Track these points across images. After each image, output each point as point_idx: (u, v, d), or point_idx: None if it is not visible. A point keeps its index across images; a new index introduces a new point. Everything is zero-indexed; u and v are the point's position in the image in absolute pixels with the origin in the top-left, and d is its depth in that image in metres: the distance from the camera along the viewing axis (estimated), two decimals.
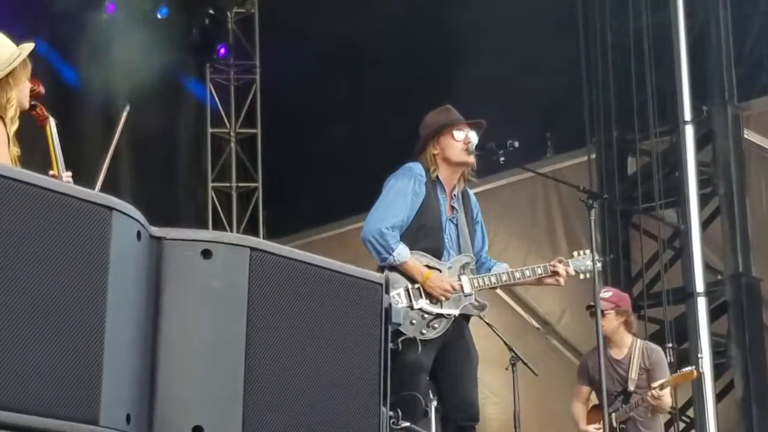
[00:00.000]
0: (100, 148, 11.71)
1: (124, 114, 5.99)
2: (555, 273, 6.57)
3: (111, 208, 3.31)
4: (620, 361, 8.10)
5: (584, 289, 8.37)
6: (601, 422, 7.99)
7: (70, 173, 5.39)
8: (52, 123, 5.35)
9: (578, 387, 8.33)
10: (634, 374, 8.04)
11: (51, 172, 5.33)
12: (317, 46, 12.24)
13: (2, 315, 3.04)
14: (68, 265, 3.19)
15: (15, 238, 3.10)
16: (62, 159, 5.39)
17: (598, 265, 6.86)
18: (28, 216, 3.13)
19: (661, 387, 7.92)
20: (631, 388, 8.04)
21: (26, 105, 5.24)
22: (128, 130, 12.04)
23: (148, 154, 12.19)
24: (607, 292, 8.18)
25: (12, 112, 5.11)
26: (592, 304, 8.09)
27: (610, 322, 8.06)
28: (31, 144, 5.26)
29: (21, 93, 5.17)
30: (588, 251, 6.77)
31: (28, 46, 5.22)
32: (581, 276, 6.74)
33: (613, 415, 8.00)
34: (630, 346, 8.16)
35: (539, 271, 6.58)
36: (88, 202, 3.27)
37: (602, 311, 7.99)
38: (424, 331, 6.24)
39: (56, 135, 5.35)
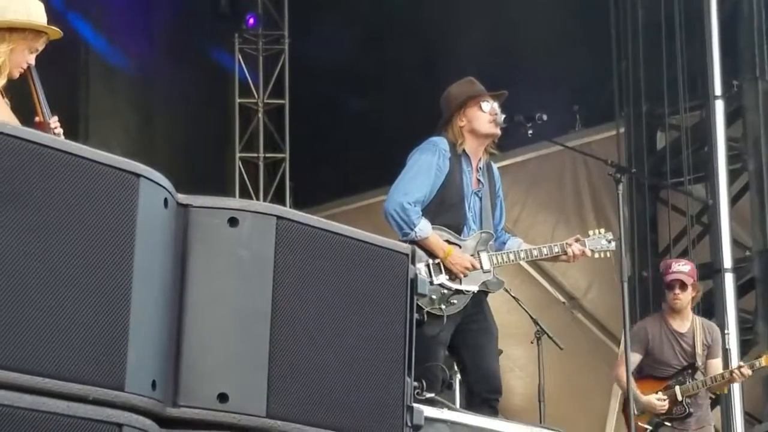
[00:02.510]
0: (137, 115, 11.83)
1: None
2: (568, 251, 6.57)
3: (138, 175, 3.31)
4: (684, 335, 8.07)
5: (610, 263, 8.34)
6: (659, 392, 7.95)
7: (56, 118, 5.36)
8: (33, 69, 5.32)
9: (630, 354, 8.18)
10: (699, 350, 8.03)
11: (36, 119, 5.31)
12: (346, 17, 12.22)
13: (29, 281, 3.05)
14: (95, 232, 3.19)
15: (43, 204, 3.11)
16: (47, 104, 5.35)
17: (613, 245, 6.84)
18: (56, 182, 3.14)
19: (751, 366, 7.93)
20: (699, 363, 8.02)
21: (15, 74, 5.22)
22: (158, 99, 12.17)
23: (176, 122, 12.23)
24: (686, 265, 8.18)
25: None
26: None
27: (687, 295, 8.06)
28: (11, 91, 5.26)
29: (13, 55, 5.16)
30: (604, 230, 6.79)
31: (52, 28, 5.23)
32: (596, 255, 6.73)
33: (678, 388, 7.95)
34: (692, 321, 8.15)
35: (556, 250, 6.59)
36: (115, 168, 3.27)
37: (685, 284, 8.01)
38: (443, 307, 6.24)
39: (38, 81, 5.32)
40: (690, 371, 8.00)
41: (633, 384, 8.00)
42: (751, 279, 10.53)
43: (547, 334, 8.62)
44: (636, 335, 8.16)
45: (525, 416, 9.19)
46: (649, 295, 10.88)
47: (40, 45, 5.27)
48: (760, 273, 10.47)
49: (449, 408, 5.52)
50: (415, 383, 3.92)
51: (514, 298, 8.23)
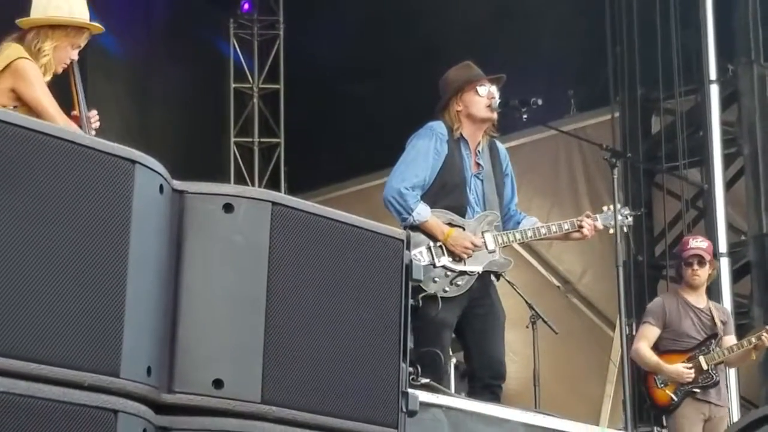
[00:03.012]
0: (133, 101, 11.82)
1: None
2: (581, 227, 6.56)
3: (133, 161, 3.31)
4: (701, 310, 8.08)
5: (605, 248, 8.36)
6: (683, 363, 7.92)
7: (94, 111, 5.43)
8: (75, 64, 5.37)
9: (648, 327, 8.07)
10: (718, 323, 8.04)
11: (73, 112, 5.36)
12: (341, 2, 12.20)
13: (24, 267, 3.06)
14: (91, 218, 3.19)
15: (38, 190, 3.11)
16: (84, 99, 5.41)
17: (630, 219, 6.87)
18: (51, 168, 3.14)
19: None
20: (721, 333, 8.03)
21: (58, 70, 5.28)
22: (153, 84, 12.16)
23: (172, 108, 12.22)
24: (703, 242, 8.21)
25: (44, 61, 5.16)
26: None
27: (705, 272, 8.09)
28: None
29: (56, 52, 5.23)
30: (620, 205, 6.78)
31: (94, 24, 5.28)
32: (611, 230, 6.73)
33: (702, 357, 7.94)
34: (706, 300, 8.20)
35: (566, 227, 6.57)
36: (110, 155, 3.28)
37: (704, 259, 8.04)
38: (447, 289, 6.24)
39: (78, 75, 5.38)
40: (713, 341, 7.99)
41: (654, 356, 8.00)
42: (747, 263, 10.54)
43: (542, 319, 8.63)
44: (653, 310, 8.15)
45: (520, 400, 9.19)
46: (644, 279, 10.90)
47: (83, 41, 5.35)
48: (756, 257, 10.48)
49: (445, 393, 5.53)
50: (411, 369, 3.92)
51: (508, 282, 8.22)
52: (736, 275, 10.54)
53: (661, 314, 8.07)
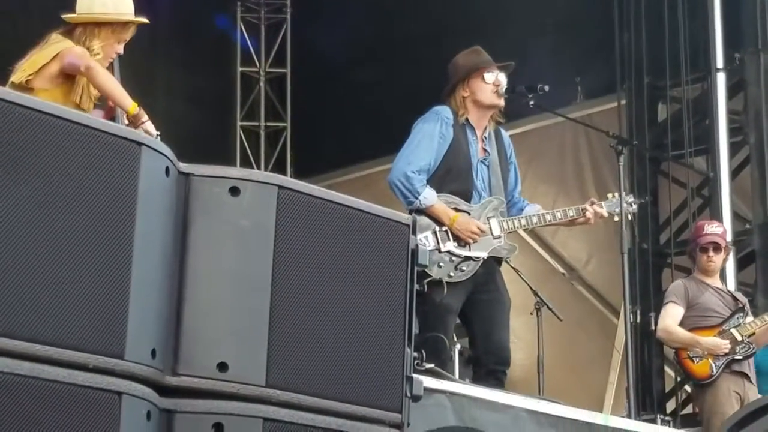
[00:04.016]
0: (138, 83, 11.79)
1: None
2: (585, 213, 6.57)
3: (140, 143, 3.31)
4: (720, 289, 8.12)
5: (610, 234, 8.35)
6: (712, 336, 7.89)
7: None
8: (116, 57, 5.42)
9: (672, 306, 8.01)
10: (739, 300, 8.08)
11: (109, 103, 5.41)
12: None
13: (30, 248, 3.06)
14: (97, 200, 3.20)
15: (45, 172, 3.11)
16: None
17: (634, 207, 6.87)
18: (58, 149, 3.15)
19: None
20: (744, 306, 8.05)
21: (105, 65, 5.32)
22: (159, 67, 12.13)
23: (178, 90, 12.20)
24: (719, 227, 8.24)
25: (95, 59, 5.19)
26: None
27: (720, 258, 8.12)
28: None
29: (104, 50, 5.28)
30: (625, 193, 6.78)
31: (140, 20, 5.32)
32: (615, 218, 6.73)
33: (734, 330, 7.92)
34: (721, 283, 8.24)
35: (571, 213, 6.58)
36: (117, 136, 3.28)
37: (719, 246, 8.03)
38: (452, 274, 6.24)
39: (118, 68, 5.42)
40: (740, 314, 7.99)
41: (686, 331, 7.96)
42: (751, 252, 10.52)
43: (547, 306, 8.62)
44: (675, 290, 8.11)
45: (524, 387, 9.19)
46: (649, 267, 10.88)
47: (128, 35, 5.39)
48: (760, 246, 10.46)
49: (449, 379, 5.53)
50: (415, 354, 3.93)
51: (513, 269, 8.22)
52: (741, 264, 10.52)
53: (683, 293, 8.05)
